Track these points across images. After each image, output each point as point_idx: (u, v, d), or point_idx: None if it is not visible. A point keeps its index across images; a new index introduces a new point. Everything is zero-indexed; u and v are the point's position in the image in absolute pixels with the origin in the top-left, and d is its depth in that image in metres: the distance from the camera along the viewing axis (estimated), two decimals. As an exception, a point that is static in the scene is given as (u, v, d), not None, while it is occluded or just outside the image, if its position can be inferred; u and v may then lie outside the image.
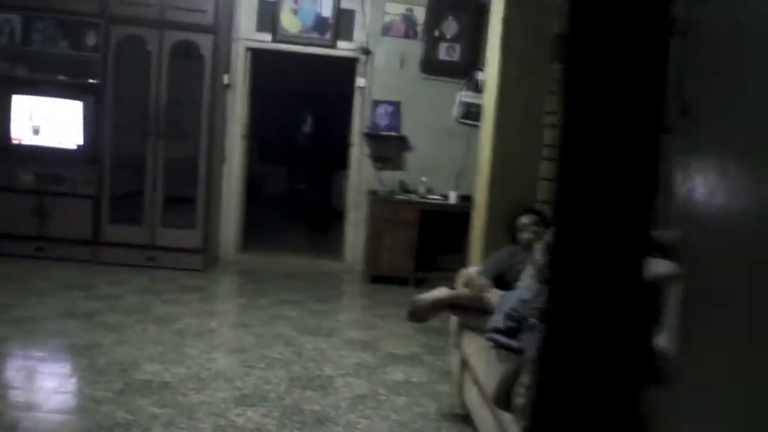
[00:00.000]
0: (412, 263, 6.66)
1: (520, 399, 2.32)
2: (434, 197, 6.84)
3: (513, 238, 3.87)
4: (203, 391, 3.62)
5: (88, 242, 6.34)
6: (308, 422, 3.36)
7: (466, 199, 6.69)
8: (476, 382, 3.21)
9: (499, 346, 3.10)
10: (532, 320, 2.85)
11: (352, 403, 3.66)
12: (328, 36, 6.83)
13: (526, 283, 3.41)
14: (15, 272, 5.73)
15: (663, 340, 1.41)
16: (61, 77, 6.29)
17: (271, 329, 4.87)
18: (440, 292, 3.59)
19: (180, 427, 3.17)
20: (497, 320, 3.17)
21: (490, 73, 4.29)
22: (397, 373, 4.19)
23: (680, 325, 1.20)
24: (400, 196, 6.77)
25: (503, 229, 3.98)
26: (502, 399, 2.52)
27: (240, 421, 3.30)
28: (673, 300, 1.72)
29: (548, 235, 3.47)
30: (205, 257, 6.48)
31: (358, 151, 7.10)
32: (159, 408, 3.35)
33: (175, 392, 3.56)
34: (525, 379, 2.31)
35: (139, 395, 3.48)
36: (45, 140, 6.24)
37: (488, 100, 4.30)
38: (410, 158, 7.08)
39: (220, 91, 6.66)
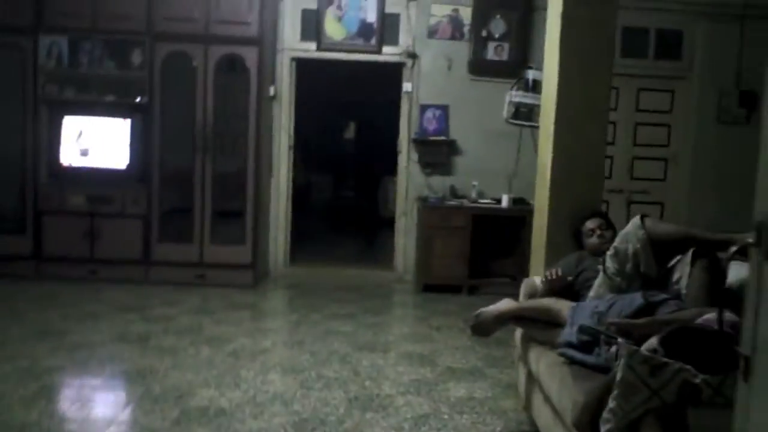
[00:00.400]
0: (465, 270, 6.47)
1: (607, 425, 2.12)
2: (486, 201, 6.64)
3: (579, 244, 3.68)
4: (260, 416, 3.49)
5: (139, 262, 6.30)
6: (371, 446, 3.21)
7: (519, 202, 6.50)
8: (548, 400, 3.02)
9: (572, 362, 2.90)
10: (609, 334, 2.65)
11: (415, 424, 3.49)
12: (373, 41, 6.69)
13: (597, 292, 3.21)
14: (70, 296, 5.70)
15: None
16: (109, 97, 6.26)
17: (325, 346, 4.73)
18: (505, 305, 3.41)
19: (239, 456, 3.04)
20: (569, 334, 2.97)
21: (548, 71, 4.09)
22: (458, 389, 4.01)
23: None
24: (451, 202, 6.58)
25: (568, 234, 3.78)
26: (586, 424, 2.32)
27: (300, 447, 3.16)
28: None
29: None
30: (254, 272, 6.39)
31: (406, 158, 6.94)
32: (217, 436, 3.23)
33: (232, 419, 3.44)
34: (612, 403, 2.11)
35: (195, 423, 3.36)
36: (93, 161, 6.23)
37: (547, 99, 4.10)
38: (460, 162, 6.89)
39: (266, 103, 6.57)
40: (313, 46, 6.73)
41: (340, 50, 6.74)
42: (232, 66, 6.35)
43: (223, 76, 6.31)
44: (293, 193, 7.22)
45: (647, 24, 6.64)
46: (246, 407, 3.59)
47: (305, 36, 6.75)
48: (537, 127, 5.29)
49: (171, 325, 5.03)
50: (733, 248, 1.07)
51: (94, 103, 6.26)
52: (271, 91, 6.67)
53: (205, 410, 3.53)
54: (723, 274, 2.82)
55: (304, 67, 7.00)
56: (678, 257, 2.96)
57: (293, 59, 6.82)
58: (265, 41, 6.32)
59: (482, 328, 3.38)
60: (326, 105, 11.68)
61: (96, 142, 6.23)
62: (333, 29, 6.67)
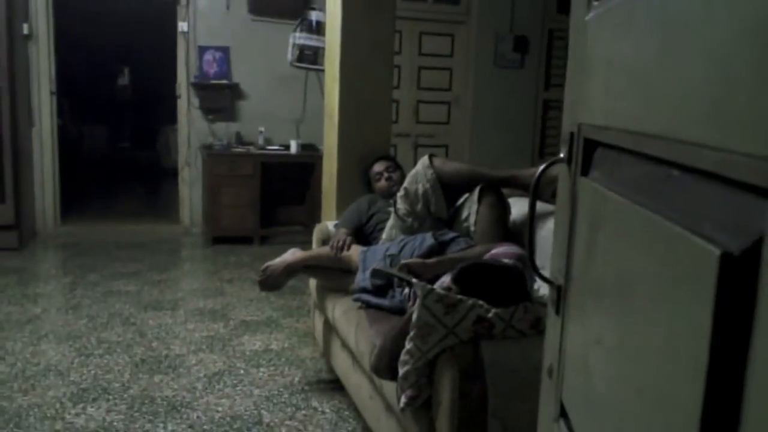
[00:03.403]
0: (256, 220, 6.29)
1: (405, 366, 2.10)
2: (274, 148, 6.46)
3: (369, 188, 3.65)
4: (32, 391, 3.13)
5: None
6: (161, 411, 2.99)
7: (308, 148, 6.40)
8: (346, 346, 2.98)
9: (368, 306, 2.88)
10: (401, 276, 2.63)
11: (209, 382, 3.32)
12: (141, -24, 6.15)
13: (389, 234, 3.19)
14: None
15: None
16: None
17: (106, 308, 4.36)
18: (293, 255, 3.29)
19: (7, 439, 2.69)
20: (362, 279, 2.94)
21: (331, 12, 3.95)
22: (254, 342, 3.88)
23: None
24: (237, 149, 6.32)
25: (358, 178, 3.74)
26: (383, 367, 2.28)
27: (80, 421, 2.87)
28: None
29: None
30: (19, 233, 5.74)
31: (187, 103, 6.54)
32: (-23, 420, 2.84)
33: (-3, 397, 3.05)
34: (409, 344, 2.08)
35: (-50, 407, 2.93)
36: None
37: (331, 41, 3.98)
38: (245, 107, 6.62)
39: (20, 42, 5.83)
40: (74, -21, 6.06)
41: (106, -15, 6.13)
42: (-24, 0, 5.54)
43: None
44: (62, 145, 6.56)
45: (426, -32, 6.72)
46: (14, 382, 3.21)
47: (64, -32, 6.06)
48: (323, 71, 5.17)
49: None
50: (542, 167, 1.00)
51: None
52: (25, 29, 5.93)
53: (-39, 392, 3.10)
54: (508, 210, 2.92)
55: (65, 3, 6.30)
56: (466, 195, 3.01)
57: (50, -7, 6.10)
58: (14, -29, 5.59)
59: (271, 282, 3.25)
60: (96, 48, 10.76)
61: None
62: (96, -40, 6.04)
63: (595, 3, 0.80)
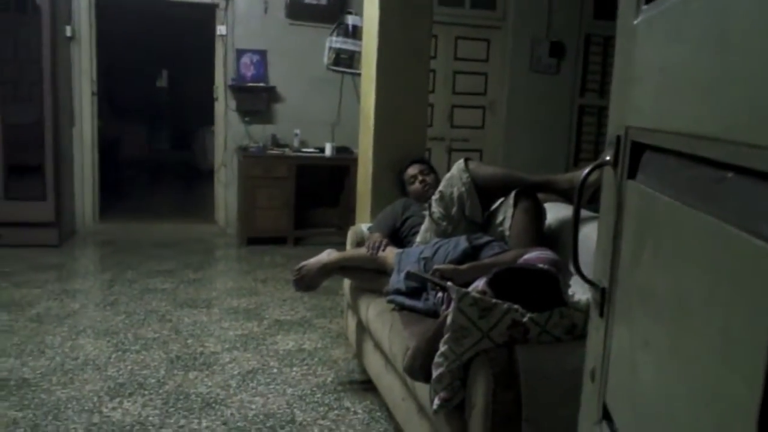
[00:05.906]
0: (290, 221, 6.33)
1: (439, 369, 2.10)
2: (309, 150, 6.50)
3: (403, 191, 3.65)
4: (70, 384, 3.19)
5: None
6: (195, 408, 3.03)
7: (343, 151, 6.43)
8: (379, 347, 2.99)
9: (402, 308, 2.88)
10: (435, 280, 2.63)
11: (243, 380, 3.35)
12: (183, -21, 6.25)
13: (423, 237, 3.20)
14: None
15: None
16: None
17: (142, 305, 4.43)
18: (328, 256, 3.31)
19: (47, 431, 2.75)
20: (397, 281, 2.94)
21: (369, 16, 3.98)
22: (287, 342, 3.91)
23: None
24: (273, 151, 6.37)
25: (392, 181, 3.75)
26: (417, 369, 2.28)
27: (117, 415, 2.92)
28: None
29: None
30: (59, 230, 5.86)
31: (224, 105, 6.62)
32: (19, 411, 2.90)
33: (37, 389, 3.11)
34: (444, 347, 2.08)
35: (-7, 398, 3.00)
36: None
37: (368, 45, 4.00)
38: (281, 110, 6.68)
39: (63, 44, 5.95)
40: (115, -18, 6.17)
41: (146, -12, 6.24)
42: (21, 3, 5.68)
43: (9, 14, 5.65)
44: (102, 144, 6.68)
45: (463, -27, 6.72)
46: (53, 376, 3.27)
47: (106, -29, 6.18)
48: (359, 74, 5.21)
49: (-40, 292, 4.50)
50: (587, 169, 0.99)
51: None
52: (68, 31, 6.05)
53: (4, 382, 3.17)
54: (543, 215, 2.90)
55: (107, 6, 6.41)
56: (501, 199, 3.00)
57: (92, -4, 6.22)
58: (58, -25, 5.71)
59: (305, 282, 3.26)
60: (136, 51, 10.94)
61: None
62: (138, -35, 6.15)
63: (645, 7, 0.80)
